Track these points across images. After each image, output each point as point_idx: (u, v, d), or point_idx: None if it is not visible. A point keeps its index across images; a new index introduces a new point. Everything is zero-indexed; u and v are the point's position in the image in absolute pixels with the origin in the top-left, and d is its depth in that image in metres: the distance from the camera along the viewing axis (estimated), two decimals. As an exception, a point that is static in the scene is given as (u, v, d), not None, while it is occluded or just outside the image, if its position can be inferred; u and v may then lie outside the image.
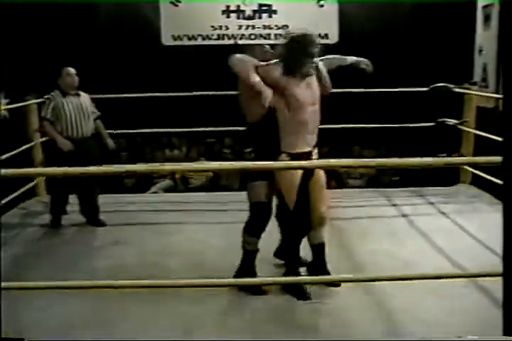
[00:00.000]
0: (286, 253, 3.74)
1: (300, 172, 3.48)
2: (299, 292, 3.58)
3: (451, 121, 6.14)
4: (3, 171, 2.43)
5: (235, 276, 3.72)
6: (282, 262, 3.91)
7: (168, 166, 2.91)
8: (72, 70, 5.16)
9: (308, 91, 3.46)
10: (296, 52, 3.40)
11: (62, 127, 5.09)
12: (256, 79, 3.37)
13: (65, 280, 3.13)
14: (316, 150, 3.65)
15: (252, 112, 3.56)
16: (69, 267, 4.15)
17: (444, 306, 3.45)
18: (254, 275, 3.73)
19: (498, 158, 2.35)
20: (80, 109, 5.14)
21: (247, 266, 3.75)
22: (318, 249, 3.78)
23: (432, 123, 6.27)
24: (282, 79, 3.40)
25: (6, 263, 4.23)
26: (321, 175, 3.66)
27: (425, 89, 6.21)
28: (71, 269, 4.10)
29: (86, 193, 5.22)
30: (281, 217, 3.84)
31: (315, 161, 3.54)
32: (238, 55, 3.52)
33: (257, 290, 3.63)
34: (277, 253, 4.04)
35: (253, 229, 3.72)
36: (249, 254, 3.75)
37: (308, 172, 3.54)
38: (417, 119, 6.34)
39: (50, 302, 3.51)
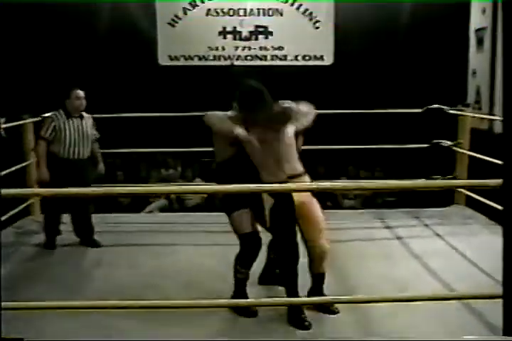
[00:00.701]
0: (285, 280, 3.72)
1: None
2: (299, 322, 3.54)
3: (446, 143, 6.18)
4: (4, 191, 2.44)
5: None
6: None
7: (161, 187, 2.91)
8: (81, 93, 5.11)
9: (265, 134, 3.59)
10: (247, 104, 3.65)
11: (60, 148, 5.04)
12: (238, 130, 3.63)
13: (57, 301, 3.14)
14: (305, 177, 3.69)
15: (221, 154, 3.83)
16: (62, 287, 4.12)
17: (439, 328, 3.44)
18: (246, 298, 3.73)
19: (495, 181, 2.38)
20: (81, 131, 5.10)
21: (239, 292, 3.76)
22: (317, 279, 3.78)
23: (426, 145, 6.31)
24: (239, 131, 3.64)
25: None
26: (311, 208, 3.67)
27: (419, 110, 6.25)
28: (64, 290, 4.07)
29: (79, 213, 5.18)
30: (272, 246, 3.90)
31: (306, 184, 3.54)
32: (212, 114, 3.81)
33: (249, 312, 3.64)
34: (261, 280, 4.08)
35: (244, 261, 3.74)
36: (241, 282, 3.78)
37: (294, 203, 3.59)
38: (411, 140, 6.38)
39: (42, 322, 3.49)
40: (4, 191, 2.40)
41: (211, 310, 3.57)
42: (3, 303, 2.60)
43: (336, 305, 3.67)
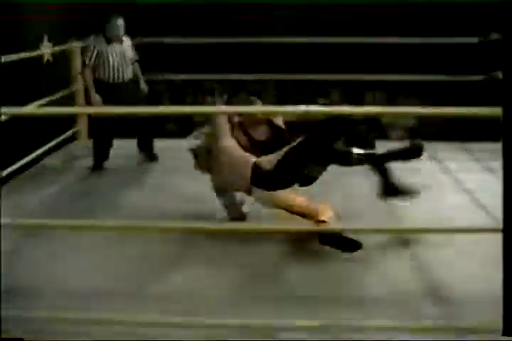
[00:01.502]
0: None
1: None
2: (345, 242, 3.45)
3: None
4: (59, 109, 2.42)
5: None
6: None
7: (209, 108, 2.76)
8: (120, 20, 5.20)
9: None
10: None
11: (104, 73, 5.20)
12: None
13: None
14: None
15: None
16: (105, 209, 4.23)
17: (482, 262, 3.39)
18: None
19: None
20: (122, 55, 5.25)
21: None
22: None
23: (481, 77, 6.06)
24: None
25: (46, 204, 4.35)
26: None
27: (476, 40, 5.97)
28: (107, 211, 4.18)
29: (145, 134, 5.53)
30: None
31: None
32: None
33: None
34: None
35: None
36: None
37: None
38: (465, 72, 6.14)
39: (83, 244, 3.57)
40: (60, 109, 2.37)
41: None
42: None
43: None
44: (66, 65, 6.02)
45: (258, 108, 3.96)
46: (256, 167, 3.66)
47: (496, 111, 2.05)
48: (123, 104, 4.73)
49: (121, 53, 5.24)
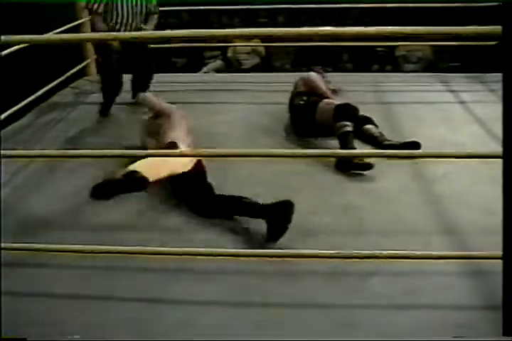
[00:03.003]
0: None
1: None
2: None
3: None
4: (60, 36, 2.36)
5: None
6: None
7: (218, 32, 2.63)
8: None
9: None
10: None
11: (113, 21, 4.74)
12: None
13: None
14: None
15: None
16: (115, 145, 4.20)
17: (494, 193, 3.38)
18: None
19: None
20: (135, 5, 4.75)
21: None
22: None
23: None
24: None
25: (58, 141, 4.35)
26: None
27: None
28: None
29: (141, 72, 5.05)
30: None
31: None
32: None
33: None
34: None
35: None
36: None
37: None
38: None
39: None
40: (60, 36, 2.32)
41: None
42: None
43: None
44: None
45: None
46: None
47: (496, 29, 1.98)
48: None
49: (134, 5, 4.73)
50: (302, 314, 2.38)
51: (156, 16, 4.95)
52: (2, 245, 2.38)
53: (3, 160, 2.76)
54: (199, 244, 2.77)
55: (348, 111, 4.03)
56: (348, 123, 3.94)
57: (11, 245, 2.49)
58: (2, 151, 2.38)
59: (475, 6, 5.84)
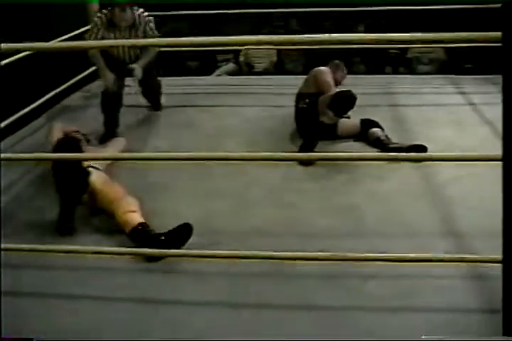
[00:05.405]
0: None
1: None
2: None
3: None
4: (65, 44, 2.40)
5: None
6: None
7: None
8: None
9: None
10: None
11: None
12: None
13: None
14: None
15: None
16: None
17: (500, 196, 3.35)
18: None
19: None
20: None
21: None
22: None
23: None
24: None
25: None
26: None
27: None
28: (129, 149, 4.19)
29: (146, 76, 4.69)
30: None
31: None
32: None
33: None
34: None
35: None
36: None
37: None
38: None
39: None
40: (61, 44, 2.36)
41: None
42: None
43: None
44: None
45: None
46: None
47: (496, 35, 1.97)
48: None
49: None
50: (299, 316, 2.39)
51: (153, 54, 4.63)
52: (2, 245, 2.42)
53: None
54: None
55: (341, 98, 4.05)
56: (331, 113, 4.08)
57: (11, 245, 2.52)
58: (4, 155, 2.41)
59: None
